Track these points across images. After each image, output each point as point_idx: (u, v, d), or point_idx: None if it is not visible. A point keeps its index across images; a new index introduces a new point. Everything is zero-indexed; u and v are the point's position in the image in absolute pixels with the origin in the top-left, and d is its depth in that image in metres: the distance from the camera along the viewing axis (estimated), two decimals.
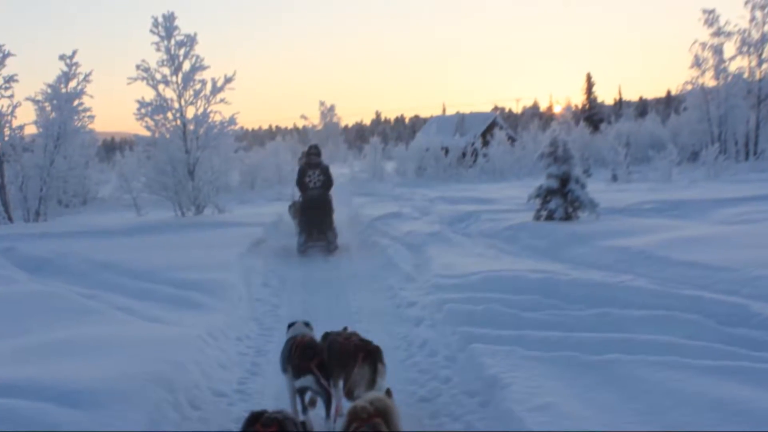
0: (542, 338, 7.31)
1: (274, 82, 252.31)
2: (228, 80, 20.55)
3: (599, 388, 5.76)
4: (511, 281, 9.70)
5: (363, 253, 14.71)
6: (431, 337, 8.21)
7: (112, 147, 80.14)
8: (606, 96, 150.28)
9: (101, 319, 8.20)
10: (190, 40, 20.46)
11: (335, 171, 17.79)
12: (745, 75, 39.07)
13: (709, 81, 39.50)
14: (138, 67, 20.14)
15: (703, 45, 38.71)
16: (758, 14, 38.04)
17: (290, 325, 6.32)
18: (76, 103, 22.85)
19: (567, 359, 6.45)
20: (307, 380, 5.36)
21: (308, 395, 5.67)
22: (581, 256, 12.06)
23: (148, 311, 8.96)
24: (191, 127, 20.66)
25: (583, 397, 5.58)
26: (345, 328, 6.23)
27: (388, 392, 4.83)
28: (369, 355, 5.38)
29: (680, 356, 6.32)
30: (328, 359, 5.63)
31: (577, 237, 13.28)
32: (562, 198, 15.24)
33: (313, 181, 15.21)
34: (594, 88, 71.85)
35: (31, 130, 23.31)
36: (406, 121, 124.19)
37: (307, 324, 6.32)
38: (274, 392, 6.66)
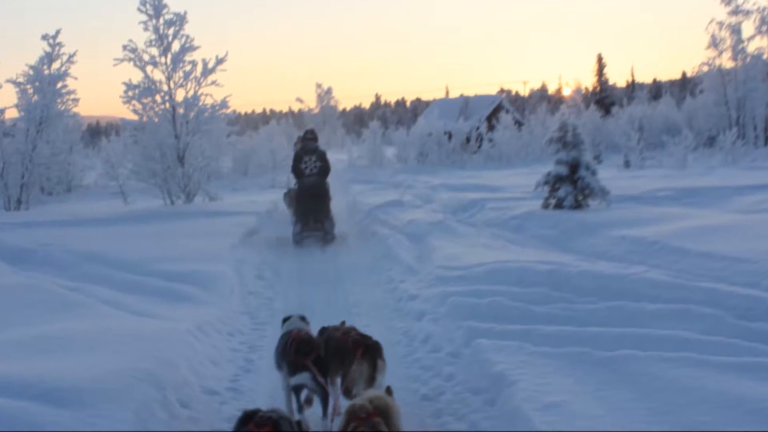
0: (551, 333, 7.29)
1: (267, 62, 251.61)
2: (219, 61, 20.44)
3: (612, 385, 5.74)
4: (518, 273, 9.68)
5: (362, 244, 14.69)
6: (434, 331, 8.18)
7: (98, 131, 79.98)
8: (618, 78, 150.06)
9: (86, 313, 8.17)
10: (180, 19, 20.36)
11: (333, 157, 17.76)
12: (765, 56, 38.99)
13: (726, 62, 39.41)
14: (125, 47, 20.06)
15: (720, 24, 38.58)
16: None
17: (285, 320, 6.31)
18: (59, 85, 22.74)
19: (578, 355, 6.43)
20: (303, 377, 5.34)
21: (304, 393, 5.65)
22: (592, 247, 12.02)
23: (136, 305, 8.93)
24: (181, 110, 20.57)
25: (594, 395, 5.56)
26: (343, 323, 6.22)
27: (389, 390, 4.82)
28: (368, 350, 5.37)
29: (697, 352, 6.30)
30: (325, 355, 5.61)
31: (587, 226, 13.25)
32: (571, 185, 15.20)
33: (310, 168, 15.06)
34: (605, 70, 71.68)
35: (12, 114, 23.26)
36: (407, 104, 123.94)
37: (303, 318, 6.31)
38: (268, 390, 6.65)
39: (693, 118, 42.63)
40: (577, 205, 15.12)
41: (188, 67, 20.47)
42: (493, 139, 40.26)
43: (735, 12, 38.23)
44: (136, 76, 20.59)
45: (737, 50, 38.72)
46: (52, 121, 22.81)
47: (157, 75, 20.38)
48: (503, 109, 50.41)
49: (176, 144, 20.45)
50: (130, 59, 20.08)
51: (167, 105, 20.51)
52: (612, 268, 9.80)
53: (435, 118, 44.36)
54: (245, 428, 4.16)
